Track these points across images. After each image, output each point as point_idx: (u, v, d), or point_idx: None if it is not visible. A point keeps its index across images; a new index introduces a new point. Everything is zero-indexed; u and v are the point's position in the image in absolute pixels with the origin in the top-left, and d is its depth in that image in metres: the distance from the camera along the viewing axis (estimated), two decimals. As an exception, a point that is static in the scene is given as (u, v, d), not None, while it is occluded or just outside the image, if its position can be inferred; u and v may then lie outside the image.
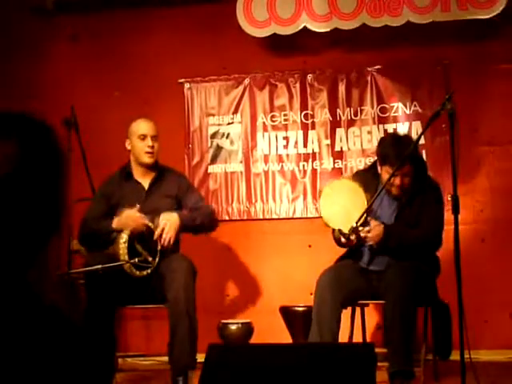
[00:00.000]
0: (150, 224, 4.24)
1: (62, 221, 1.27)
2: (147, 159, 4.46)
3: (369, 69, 5.58)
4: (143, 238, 4.21)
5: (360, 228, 4.07)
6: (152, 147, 4.44)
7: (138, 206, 4.27)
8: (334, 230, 4.24)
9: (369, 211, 4.12)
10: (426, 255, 4.20)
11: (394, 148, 4.13)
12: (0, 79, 5.94)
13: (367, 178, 4.29)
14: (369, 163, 5.36)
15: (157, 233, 4.21)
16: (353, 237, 4.07)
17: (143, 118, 4.57)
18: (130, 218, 4.23)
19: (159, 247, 4.23)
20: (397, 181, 4.13)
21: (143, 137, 4.44)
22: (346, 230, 4.06)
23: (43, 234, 1.23)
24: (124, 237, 4.11)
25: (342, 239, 4.12)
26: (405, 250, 4.14)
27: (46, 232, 1.23)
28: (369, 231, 4.09)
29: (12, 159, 1.20)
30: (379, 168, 4.26)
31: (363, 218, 4.07)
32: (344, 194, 4.20)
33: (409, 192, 4.19)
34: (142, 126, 4.50)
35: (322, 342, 3.99)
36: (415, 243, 4.15)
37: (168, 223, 4.23)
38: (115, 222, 4.26)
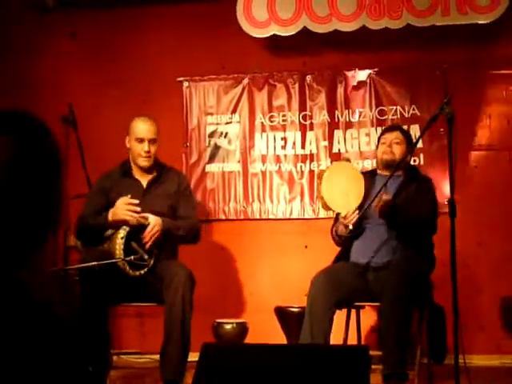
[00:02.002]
0: (144, 220, 4.21)
1: (57, 219, 1.27)
2: (142, 163, 4.41)
3: (368, 71, 5.59)
4: (140, 237, 4.19)
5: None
6: (148, 152, 4.37)
7: (129, 195, 4.23)
8: (332, 227, 4.29)
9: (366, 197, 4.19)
10: (424, 248, 4.22)
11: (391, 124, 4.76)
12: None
13: (365, 176, 4.34)
14: (366, 165, 5.40)
15: (143, 235, 4.20)
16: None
17: (143, 119, 4.46)
18: (120, 206, 4.19)
19: (155, 250, 4.21)
20: (388, 142, 4.39)
21: (140, 140, 4.38)
22: (344, 213, 4.13)
23: (37, 231, 1.23)
24: (122, 232, 4.10)
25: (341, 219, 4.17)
26: (400, 223, 4.19)
27: (40, 230, 1.24)
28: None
29: (8, 157, 1.20)
30: (376, 154, 4.55)
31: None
32: (344, 177, 4.24)
33: (398, 166, 4.27)
34: (140, 129, 4.41)
35: (313, 342, 3.99)
36: (411, 219, 4.18)
37: (154, 228, 4.20)
38: (110, 214, 4.23)
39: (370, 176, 4.43)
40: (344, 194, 4.18)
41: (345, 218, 4.14)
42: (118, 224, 4.18)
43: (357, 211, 4.13)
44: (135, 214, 4.18)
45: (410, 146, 4.43)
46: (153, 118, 4.52)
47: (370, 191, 4.24)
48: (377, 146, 4.55)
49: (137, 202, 4.21)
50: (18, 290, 1.18)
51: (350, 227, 4.13)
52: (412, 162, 5.32)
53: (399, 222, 4.21)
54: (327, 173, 4.29)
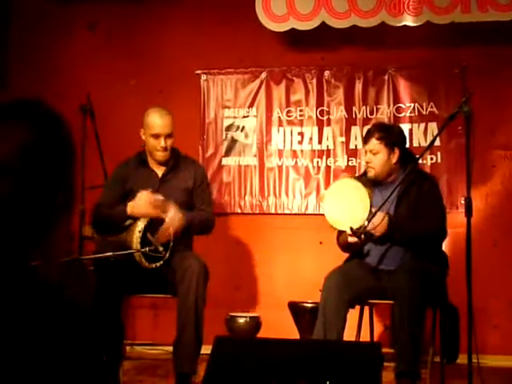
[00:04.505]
0: (164, 215, 4.21)
1: (69, 208, 1.28)
2: (159, 157, 4.38)
3: (386, 67, 5.57)
4: (156, 230, 4.19)
5: (366, 223, 4.02)
6: (165, 147, 4.34)
7: (150, 189, 4.23)
8: (338, 236, 4.25)
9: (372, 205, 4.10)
10: (433, 250, 4.18)
11: (367, 130, 4.44)
12: (18, 66, 5.97)
13: (362, 181, 4.26)
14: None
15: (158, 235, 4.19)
16: (361, 234, 4.04)
17: (158, 113, 4.38)
18: (142, 201, 4.17)
19: (171, 243, 4.21)
20: (365, 157, 4.27)
21: (156, 136, 4.33)
22: (355, 227, 4.03)
23: (49, 218, 1.24)
24: (140, 225, 4.11)
25: (350, 239, 4.07)
26: (410, 240, 4.13)
27: (52, 217, 1.25)
28: (375, 224, 4.05)
29: (22, 144, 1.21)
30: None
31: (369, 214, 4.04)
32: (345, 194, 4.17)
33: (383, 175, 4.20)
34: (156, 125, 4.34)
35: (325, 339, 3.99)
36: (420, 233, 4.12)
37: (173, 224, 4.17)
38: (129, 208, 4.23)
39: (367, 179, 4.29)
40: (349, 212, 4.08)
41: (352, 235, 4.04)
42: (136, 216, 4.19)
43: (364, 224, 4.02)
44: (156, 209, 4.18)
45: (391, 143, 4.21)
46: (168, 110, 4.44)
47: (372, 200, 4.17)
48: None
49: (160, 197, 4.21)
50: (29, 275, 1.19)
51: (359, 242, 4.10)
52: (429, 161, 5.30)
53: (406, 245, 4.16)
54: (326, 195, 4.24)
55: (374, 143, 4.22)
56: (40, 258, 1.24)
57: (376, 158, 4.22)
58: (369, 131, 4.35)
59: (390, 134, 4.25)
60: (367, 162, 4.27)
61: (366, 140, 4.29)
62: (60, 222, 1.26)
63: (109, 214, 4.29)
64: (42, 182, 1.22)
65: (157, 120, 4.36)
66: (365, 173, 4.44)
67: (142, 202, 4.18)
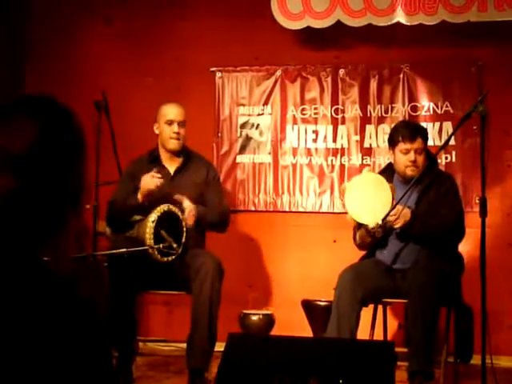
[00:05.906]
0: (178, 211, 4.24)
1: (79, 202, 1.29)
2: (172, 145, 4.49)
3: (401, 66, 5.55)
4: (169, 225, 4.21)
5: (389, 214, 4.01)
6: (178, 133, 4.46)
7: (154, 169, 4.33)
8: (354, 234, 4.24)
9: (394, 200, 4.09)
10: (448, 250, 4.17)
11: (405, 125, 4.38)
12: (34, 63, 5.99)
13: (384, 177, 4.26)
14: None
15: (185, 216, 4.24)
16: (379, 228, 4.01)
17: (172, 103, 4.58)
18: (148, 178, 4.29)
19: (184, 239, 4.23)
20: (411, 156, 4.20)
21: (170, 122, 4.47)
22: (375, 222, 4.00)
23: (59, 212, 1.25)
24: (153, 216, 4.13)
25: (371, 229, 4.04)
26: (428, 237, 4.12)
27: (62, 211, 1.25)
28: (396, 215, 4.04)
29: (32, 139, 1.22)
30: (392, 155, 4.34)
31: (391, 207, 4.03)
32: (367, 187, 4.17)
33: (420, 175, 4.14)
34: (169, 112, 4.51)
35: (339, 337, 3.99)
36: (438, 228, 4.12)
37: (192, 209, 4.27)
38: (139, 193, 4.31)
39: (387, 176, 4.29)
40: (370, 205, 4.07)
41: (372, 229, 4.05)
42: (148, 197, 4.25)
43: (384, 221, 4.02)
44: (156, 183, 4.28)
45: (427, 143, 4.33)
46: (184, 107, 4.59)
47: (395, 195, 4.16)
48: (392, 147, 4.32)
49: (159, 176, 4.30)
50: (41, 270, 1.20)
51: (378, 236, 4.08)
52: (444, 160, 5.28)
53: (424, 242, 4.16)
54: (348, 188, 4.22)
55: (421, 142, 4.24)
56: (50, 254, 1.24)
57: (421, 157, 4.23)
58: (413, 130, 4.26)
59: (427, 134, 4.36)
60: (412, 161, 4.20)
61: (411, 138, 4.20)
62: (70, 217, 1.27)
63: (121, 207, 4.34)
64: (52, 176, 1.23)
65: (171, 108, 4.54)
66: (384, 169, 4.45)
67: (148, 179, 4.28)
